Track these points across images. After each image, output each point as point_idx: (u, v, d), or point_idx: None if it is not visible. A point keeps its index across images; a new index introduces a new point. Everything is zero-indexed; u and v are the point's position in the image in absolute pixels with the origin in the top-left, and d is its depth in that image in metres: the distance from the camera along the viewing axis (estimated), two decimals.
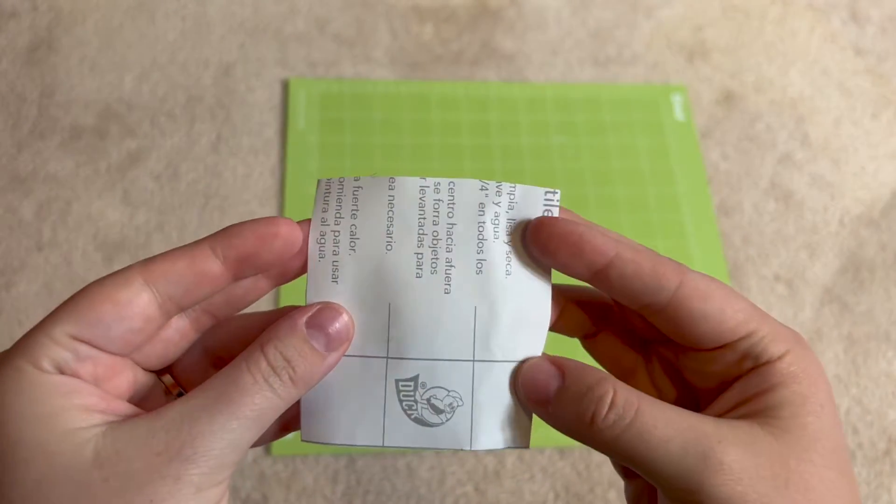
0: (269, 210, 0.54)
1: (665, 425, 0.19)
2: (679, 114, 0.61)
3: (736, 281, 0.54)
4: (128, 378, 0.21)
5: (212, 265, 0.20)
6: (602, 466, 0.48)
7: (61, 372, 0.19)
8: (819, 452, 0.19)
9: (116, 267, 0.51)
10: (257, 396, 0.19)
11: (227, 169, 0.55)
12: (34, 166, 0.54)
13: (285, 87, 0.59)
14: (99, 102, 0.57)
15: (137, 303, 0.19)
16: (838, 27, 0.66)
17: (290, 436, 0.47)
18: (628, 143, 0.59)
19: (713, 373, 0.21)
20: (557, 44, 0.63)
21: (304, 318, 0.20)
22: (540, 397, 0.21)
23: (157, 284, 0.20)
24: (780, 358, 0.20)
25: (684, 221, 0.56)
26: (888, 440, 0.50)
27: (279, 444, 0.46)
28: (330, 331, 0.20)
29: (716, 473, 0.18)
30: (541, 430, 0.48)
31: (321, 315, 0.20)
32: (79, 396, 0.18)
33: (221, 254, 0.20)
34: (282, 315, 0.21)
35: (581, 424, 0.20)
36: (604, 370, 0.21)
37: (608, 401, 0.19)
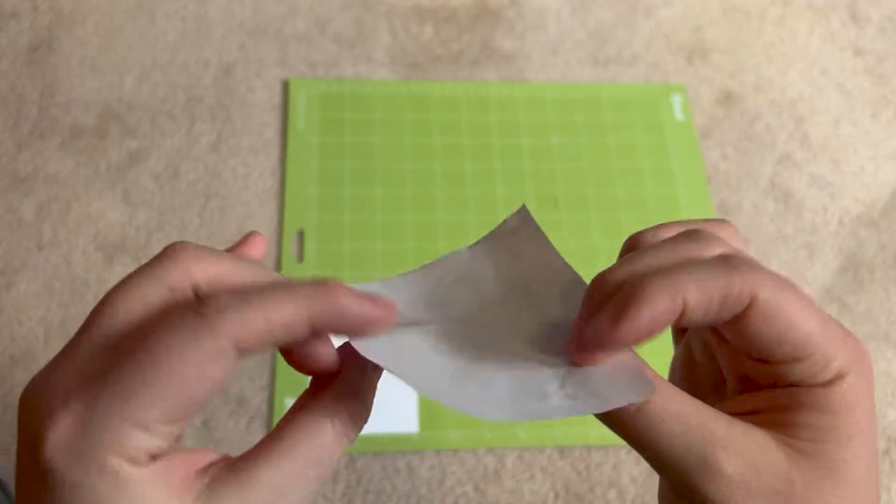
0: (269, 210, 0.54)
1: (673, 420, 0.18)
2: (679, 114, 0.61)
3: None
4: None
5: (301, 330, 0.18)
6: (602, 466, 0.48)
7: (154, 457, 0.17)
8: (835, 483, 0.18)
9: (117, 267, 0.51)
10: (337, 454, 0.19)
11: (228, 169, 0.55)
12: (34, 166, 0.54)
13: (285, 87, 0.59)
14: (99, 102, 0.57)
15: (228, 375, 0.17)
16: (838, 27, 0.67)
17: None
18: (628, 143, 0.59)
19: (753, 375, 0.20)
20: (557, 44, 0.63)
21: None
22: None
23: (245, 350, 0.18)
24: (823, 384, 0.19)
25: None
26: (888, 440, 0.50)
27: None
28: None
29: (714, 480, 0.18)
30: (541, 430, 0.48)
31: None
32: (173, 478, 0.17)
33: (314, 324, 0.18)
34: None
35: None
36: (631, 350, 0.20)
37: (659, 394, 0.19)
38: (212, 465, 0.18)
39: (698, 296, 0.18)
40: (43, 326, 0.49)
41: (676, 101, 0.61)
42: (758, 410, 0.20)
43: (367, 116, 0.58)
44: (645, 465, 0.48)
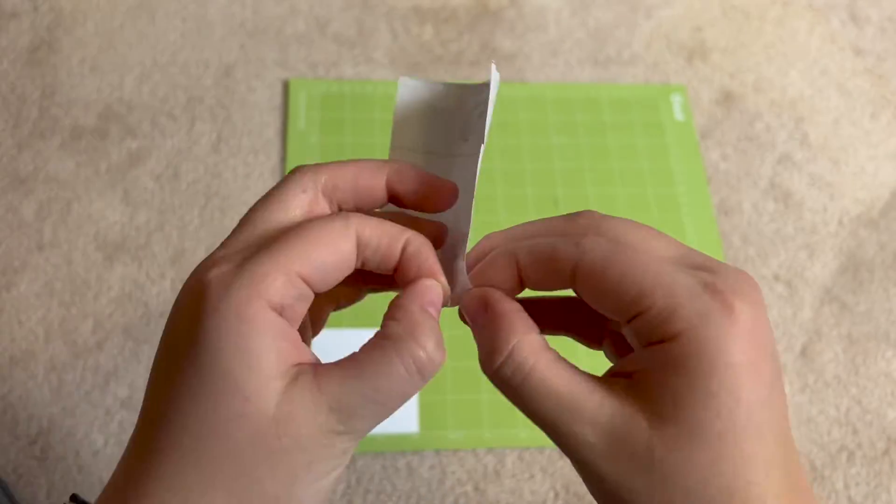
0: None
1: (547, 397, 0.20)
2: (679, 114, 0.61)
3: None
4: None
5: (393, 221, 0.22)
6: None
7: (281, 312, 0.20)
8: (695, 445, 0.18)
9: (117, 267, 0.51)
10: (407, 388, 0.20)
11: (228, 169, 0.55)
12: (35, 166, 0.54)
13: (286, 87, 0.59)
14: (99, 103, 0.57)
15: (351, 256, 0.21)
16: (838, 28, 0.67)
17: None
18: (628, 143, 0.59)
19: (631, 341, 0.20)
20: (557, 44, 0.63)
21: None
22: (473, 323, 0.23)
23: (362, 236, 0.21)
24: (671, 339, 0.18)
25: (684, 221, 0.56)
26: (887, 440, 0.50)
27: None
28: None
29: (581, 448, 0.19)
30: (540, 430, 0.48)
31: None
32: (282, 341, 0.19)
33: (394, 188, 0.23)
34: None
35: (487, 367, 0.21)
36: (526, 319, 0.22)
37: (506, 353, 0.21)
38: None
39: (528, 258, 0.21)
40: (43, 326, 0.49)
41: (676, 101, 0.61)
42: (630, 373, 0.20)
43: (368, 116, 0.58)
44: None
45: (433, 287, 0.22)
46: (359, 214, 0.22)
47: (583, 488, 0.47)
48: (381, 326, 0.21)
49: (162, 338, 0.21)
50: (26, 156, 0.55)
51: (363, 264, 0.22)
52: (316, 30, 0.62)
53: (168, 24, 0.61)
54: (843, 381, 0.51)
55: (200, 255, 0.52)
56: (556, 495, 0.47)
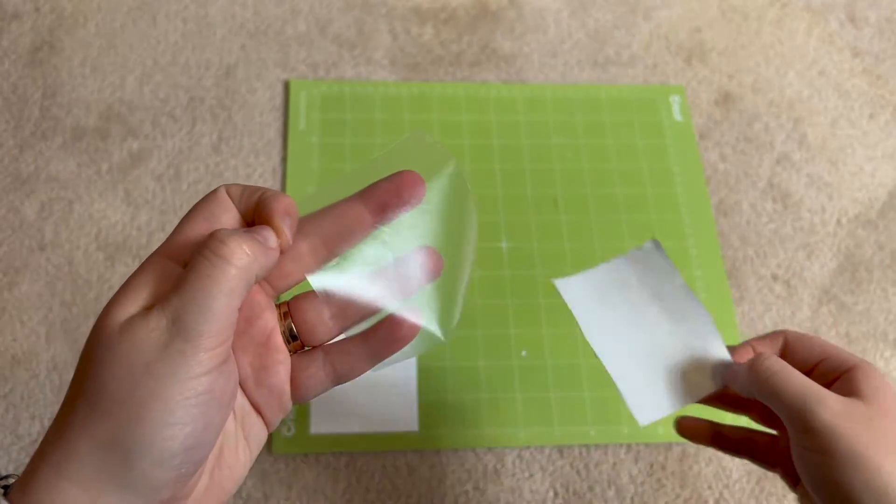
0: None
1: (793, 377, 0.30)
2: (677, 114, 0.61)
3: (734, 280, 0.55)
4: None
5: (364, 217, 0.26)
6: (601, 465, 0.48)
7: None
8: (891, 417, 0.29)
9: (118, 267, 0.51)
10: (216, 273, 0.23)
11: (229, 169, 0.56)
12: (36, 167, 0.55)
13: (286, 88, 0.59)
14: (101, 103, 0.57)
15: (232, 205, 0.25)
16: (836, 28, 0.67)
17: (291, 434, 0.47)
18: (627, 143, 0.59)
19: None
20: (557, 45, 0.64)
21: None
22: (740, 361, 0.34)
23: (229, 192, 0.25)
24: (854, 367, 0.31)
25: (683, 221, 0.56)
26: None
27: (280, 444, 0.46)
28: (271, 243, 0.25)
29: (824, 410, 0.29)
30: (540, 429, 0.48)
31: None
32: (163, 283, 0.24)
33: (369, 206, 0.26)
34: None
35: (767, 373, 0.31)
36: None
37: (774, 358, 0.32)
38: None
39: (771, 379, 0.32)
40: (45, 326, 0.49)
41: (675, 101, 0.61)
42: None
43: (368, 117, 0.58)
44: (643, 463, 0.48)
45: (264, 229, 0.25)
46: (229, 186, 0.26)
47: (582, 486, 0.47)
48: None
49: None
50: (28, 156, 0.55)
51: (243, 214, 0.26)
52: (316, 31, 0.62)
53: (169, 25, 0.61)
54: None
55: None
56: (556, 494, 0.47)
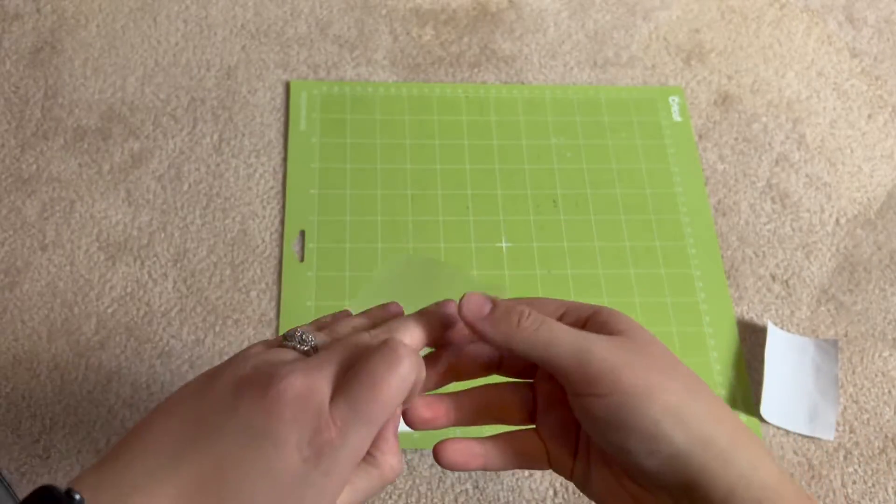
0: (270, 211, 0.54)
1: (560, 330, 0.29)
2: (677, 115, 0.61)
3: (733, 280, 0.55)
4: None
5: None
6: None
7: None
8: (654, 346, 0.29)
9: (119, 267, 0.51)
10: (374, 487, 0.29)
11: (230, 170, 0.56)
12: (38, 167, 0.55)
13: (287, 88, 0.59)
14: (102, 104, 0.58)
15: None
16: (834, 29, 0.67)
17: None
18: (626, 144, 0.59)
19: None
20: (556, 46, 0.64)
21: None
22: (478, 315, 0.30)
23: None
24: (597, 310, 0.31)
25: (682, 222, 0.57)
26: (884, 438, 0.50)
27: None
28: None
29: (597, 352, 0.28)
30: None
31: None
32: None
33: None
34: None
35: (510, 327, 0.29)
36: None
37: (527, 313, 0.29)
38: None
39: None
40: (46, 326, 0.49)
41: (674, 102, 0.62)
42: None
43: (368, 118, 0.58)
44: None
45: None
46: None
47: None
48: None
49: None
50: (29, 156, 0.55)
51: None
52: (317, 31, 0.62)
53: (170, 26, 0.61)
54: (839, 380, 0.52)
55: (202, 255, 0.52)
56: (556, 493, 0.47)
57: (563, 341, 0.28)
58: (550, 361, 0.28)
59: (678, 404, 0.27)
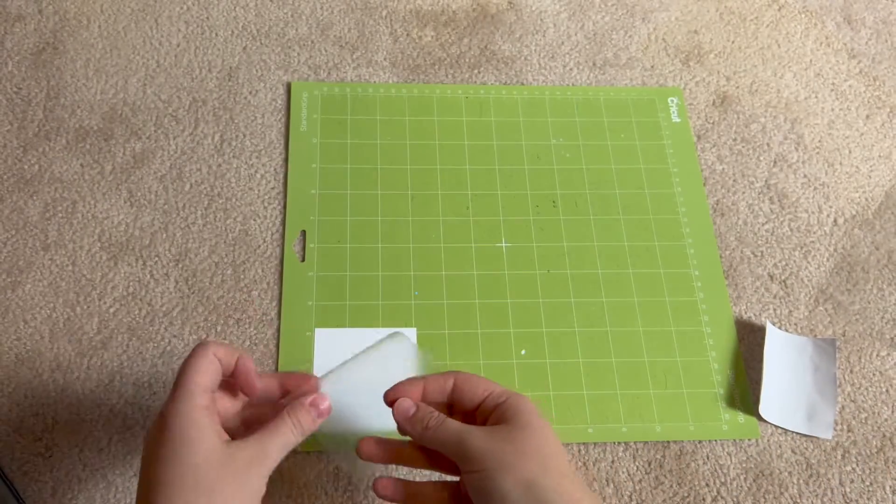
0: (271, 211, 0.54)
1: (451, 426, 0.38)
2: (675, 116, 0.61)
3: (731, 280, 0.55)
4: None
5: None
6: (599, 462, 0.48)
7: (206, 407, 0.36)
8: (528, 431, 0.37)
9: (121, 267, 0.52)
10: (290, 437, 0.37)
11: (231, 170, 0.56)
12: (40, 167, 0.55)
13: (288, 89, 0.60)
14: (104, 104, 0.58)
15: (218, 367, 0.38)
16: (832, 30, 0.67)
17: None
18: (625, 144, 0.60)
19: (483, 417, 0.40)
20: (556, 47, 0.64)
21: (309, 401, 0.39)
22: (404, 416, 0.39)
23: (217, 354, 0.38)
24: (505, 399, 0.39)
25: (680, 222, 0.57)
26: (882, 437, 0.50)
27: None
28: (322, 409, 0.39)
29: (474, 439, 0.37)
30: None
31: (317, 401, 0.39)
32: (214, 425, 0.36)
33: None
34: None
35: (423, 426, 0.38)
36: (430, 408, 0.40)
37: (435, 416, 0.39)
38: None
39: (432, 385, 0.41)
40: (48, 326, 0.50)
41: (673, 103, 0.62)
42: (490, 423, 0.39)
43: (369, 118, 0.59)
44: (641, 461, 0.49)
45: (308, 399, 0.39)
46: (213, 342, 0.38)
47: None
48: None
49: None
50: (31, 157, 0.55)
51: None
52: (318, 33, 0.63)
53: (172, 28, 0.62)
54: (837, 380, 0.52)
55: (204, 255, 0.52)
56: None
57: (452, 433, 0.37)
58: (444, 448, 0.38)
59: (529, 479, 0.35)
